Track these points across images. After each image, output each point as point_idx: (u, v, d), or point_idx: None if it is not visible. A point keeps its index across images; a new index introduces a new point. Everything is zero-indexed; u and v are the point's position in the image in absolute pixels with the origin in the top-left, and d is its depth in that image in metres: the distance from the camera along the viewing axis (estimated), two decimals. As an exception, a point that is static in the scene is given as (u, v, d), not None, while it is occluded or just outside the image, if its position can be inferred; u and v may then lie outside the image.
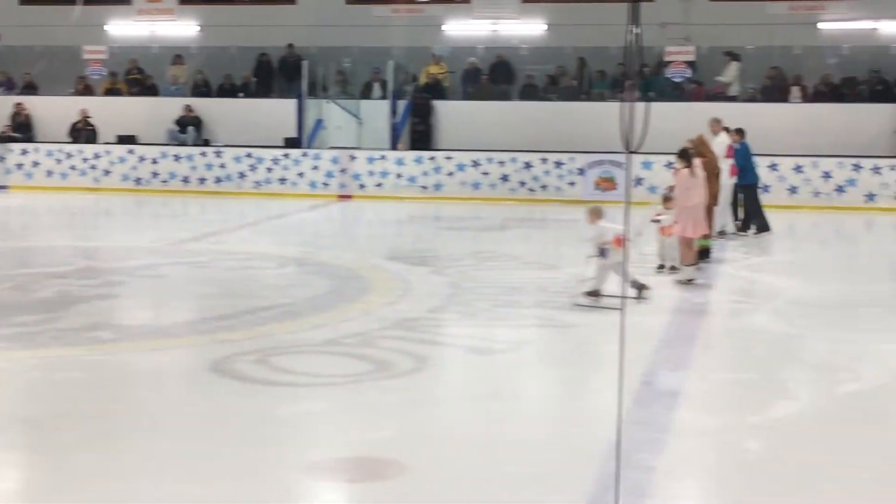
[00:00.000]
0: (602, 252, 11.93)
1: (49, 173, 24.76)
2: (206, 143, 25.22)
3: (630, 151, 5.21)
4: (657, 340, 10.56)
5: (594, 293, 12.02)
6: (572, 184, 22.71)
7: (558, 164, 22.76)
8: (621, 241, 11.68)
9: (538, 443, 7.64)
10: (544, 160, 22.83)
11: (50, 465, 7.01)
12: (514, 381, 9.49)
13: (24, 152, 24.88)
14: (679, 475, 7.09)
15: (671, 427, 7.89)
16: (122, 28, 27.77)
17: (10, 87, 27.32)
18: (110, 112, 26.01)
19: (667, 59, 24.84)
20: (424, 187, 23.20)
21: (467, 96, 25.83)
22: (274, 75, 26.93)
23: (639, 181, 22.10)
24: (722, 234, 17.07)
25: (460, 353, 10.39)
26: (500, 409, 8.44)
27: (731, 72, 24.45)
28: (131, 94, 26.91)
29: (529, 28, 26.19)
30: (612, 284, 11.98)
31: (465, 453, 7.31)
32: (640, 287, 12.22)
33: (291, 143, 24.52)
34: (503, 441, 7.64)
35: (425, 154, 23.55)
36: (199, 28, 27.62)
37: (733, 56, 24.47)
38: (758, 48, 25.02)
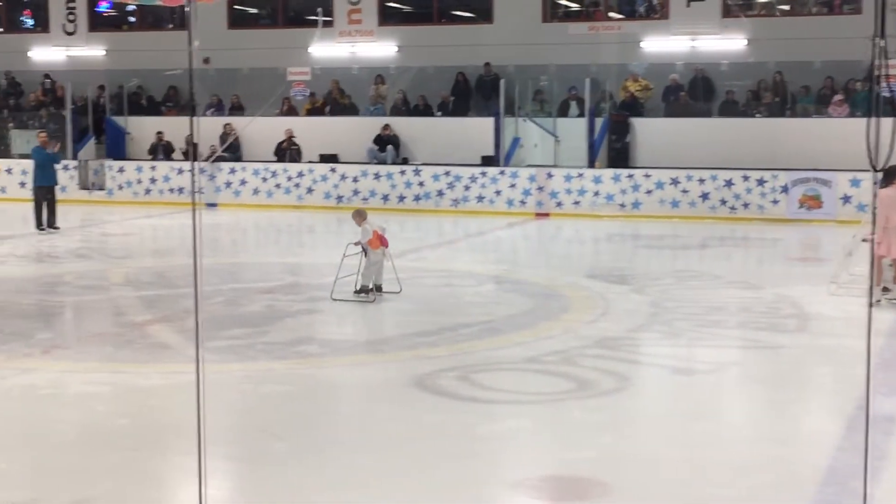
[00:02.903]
0: (365, 251, 13.00)
1: (255, 191, 25.55)
2: (405, 162, 25.59)
3: (876, 169, 5.01)
4: (872, 364, 10.15)
5: (364, 289, 13.09)
6: (776, 202, 22.14)
7: (761, 181, 22.23)
8: (377, 241, 12.95)
9: (745, 465, 7.46)
10: (746, 178, 22.33)
11: (260, 476, 7.19)
12: (718, 402, 9.32)
13: (233, 171, 25.74)
14: (897, 504, 6.80)
15: (889, 454, 7.58)
16: (324, 49, 28.44)
17: (219, 108, 28.29)
18: (313, 132, 26.68)
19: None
20: (622, 205, 23.00)
21: (666, 113, 25.51)
22: (471, 94, 27.16)
23: (847, 199, 21.44)
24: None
25: (662, 372, 10.25)
26: (704, 430, 8.28)
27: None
28: (333, 114, 27.54)
29: (730, 43, 25.68)
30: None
31: (670, 475, 7.19)
32: (367, 290, 13.11)
33: (489, 161, 24.67)
34: (708, 463, 7.48)
35: (623, 172, 23.35)
36: (398, 48, 28.07)
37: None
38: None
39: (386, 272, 13.38)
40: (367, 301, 13.02)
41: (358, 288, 13.16)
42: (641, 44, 26.21)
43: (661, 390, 9.67)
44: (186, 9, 5.70)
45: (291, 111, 27.69)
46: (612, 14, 27.30)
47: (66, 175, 25.31)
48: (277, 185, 25.46)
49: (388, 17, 28.57)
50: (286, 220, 23.32)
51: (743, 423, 8.74)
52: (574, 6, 28.36)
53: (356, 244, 13.10)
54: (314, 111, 27.55)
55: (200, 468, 5.52)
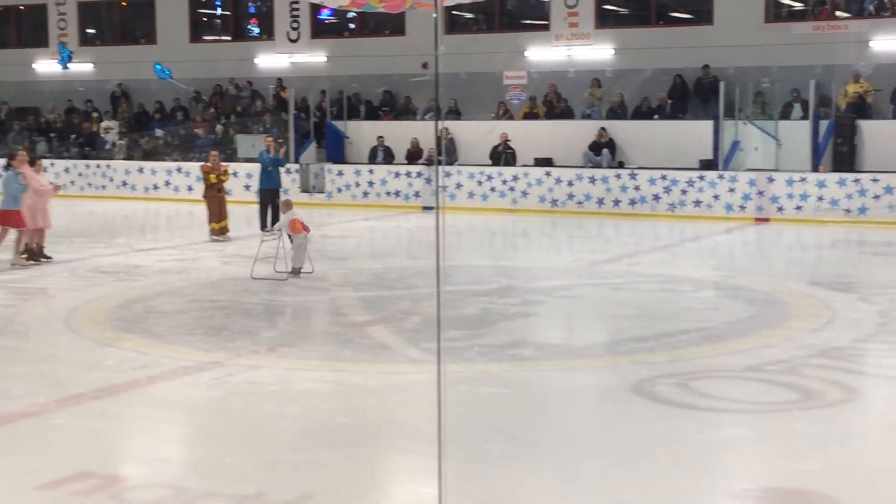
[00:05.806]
0: (290, 237, 15.26)
1: (471, 195, 25.75)
2: (621, 166, 25.36)
3: None
4: None
5: (295, 271, 15.18)
6: None
7: None
8: (299, 226, 15.08)
9: (984, 486, 7.08)
10: (983, 182, 21.27)
11: (476, 476, 7.22)
12: (953, 418, 8.87)
13: (448, 175, 26.01)
14: None
15: None
16: (541, 53, 28.44)
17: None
18: (528, 135, 26.73)
19: None
20: (848, 210, 22.20)
21: (896, 115, 24.51)
22: (689, 97, 26.70)
23: None
24: None
25: (891, 384, 9.84)
26: (938, 446, 7.91)
27: None
28: (548, 117, 27.50)
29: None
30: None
31: (902, 492, 6.89)
32: (297, 271, 15.25)
33: (707, 164, 24.20)
34: (944, 481, 7.14)
35: (849, 176, 22.53)
36: (614, 51, 27.84)
37: None
38: None
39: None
40: (294, 278, 15.05)
41: (289, 269, 15.15)
42: (871, 43, 25.25)
43: (891, 402, 9.28)
44: (434, 15, 5.76)
45: (507, 115, 27.80)
46: (838, 13, 26.38)
47: (287, 178, 26.05)
48: (492, 189, 25.61)
49: (604, 20, 28.36)
50: (500, 224, 23.42)
51: (980, 440, 8.30)
52: (798, 6, 27.53)
53: (269, 230, 15.42)
54: (529, 115, 27.59)
55: (440, 469, 5.58)
